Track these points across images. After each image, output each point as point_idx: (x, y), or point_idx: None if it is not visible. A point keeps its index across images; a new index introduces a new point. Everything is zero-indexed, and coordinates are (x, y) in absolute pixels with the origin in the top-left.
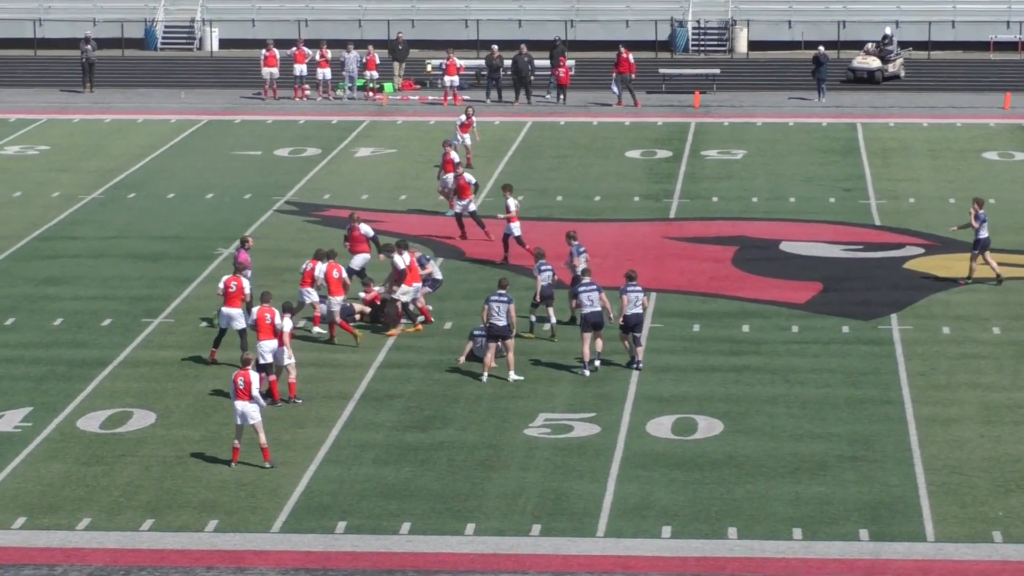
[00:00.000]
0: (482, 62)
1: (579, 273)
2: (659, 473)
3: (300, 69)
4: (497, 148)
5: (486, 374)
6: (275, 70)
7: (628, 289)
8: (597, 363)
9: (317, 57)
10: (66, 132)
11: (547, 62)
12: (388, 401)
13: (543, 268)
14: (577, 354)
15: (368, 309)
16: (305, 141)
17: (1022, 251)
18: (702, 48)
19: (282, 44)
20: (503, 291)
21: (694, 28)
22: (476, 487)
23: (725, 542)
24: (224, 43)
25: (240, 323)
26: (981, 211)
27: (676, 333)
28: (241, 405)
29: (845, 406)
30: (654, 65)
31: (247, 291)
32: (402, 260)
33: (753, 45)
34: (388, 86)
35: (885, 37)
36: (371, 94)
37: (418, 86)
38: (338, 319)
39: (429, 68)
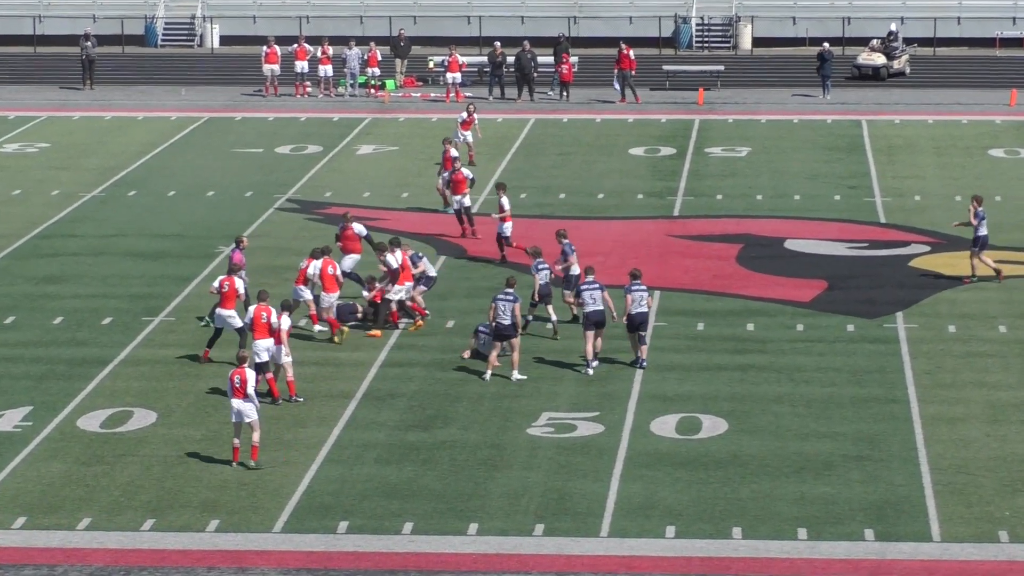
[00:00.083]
0: (485, 59)
1: (572, 274)
2: (663, 472)
3: (301, 66)
4: (500, 145)
5: (489, 372)
6: (276, 67)
7: (632, 288)
8: (595, 363)
9: (318, 54)
10: (66, 129)
11: (550, 59)
12: (390, 400)
13: (540, 267)
14: (580, 353)
15: (371, 309)
16: (306, 138)
17: None
18: (706, 45)
19: (283, 41)
20: (511, 290)
21: (698, 24)
22: (479, 487)
23: (729, 542)
24: (225, 40)
25: (237, 322)
26: (980, 208)
27: (680, 332)
28: (237, 403)
29: (850, 405)
30: (658, 62)
31: (241, 291)
32: (395, 259)
33: (757, 42)
34: (390, 83)
35: (890, 33)
36: (373, 91)
37: (420, 83)
38: (330, 315)
39: (431, 65)
